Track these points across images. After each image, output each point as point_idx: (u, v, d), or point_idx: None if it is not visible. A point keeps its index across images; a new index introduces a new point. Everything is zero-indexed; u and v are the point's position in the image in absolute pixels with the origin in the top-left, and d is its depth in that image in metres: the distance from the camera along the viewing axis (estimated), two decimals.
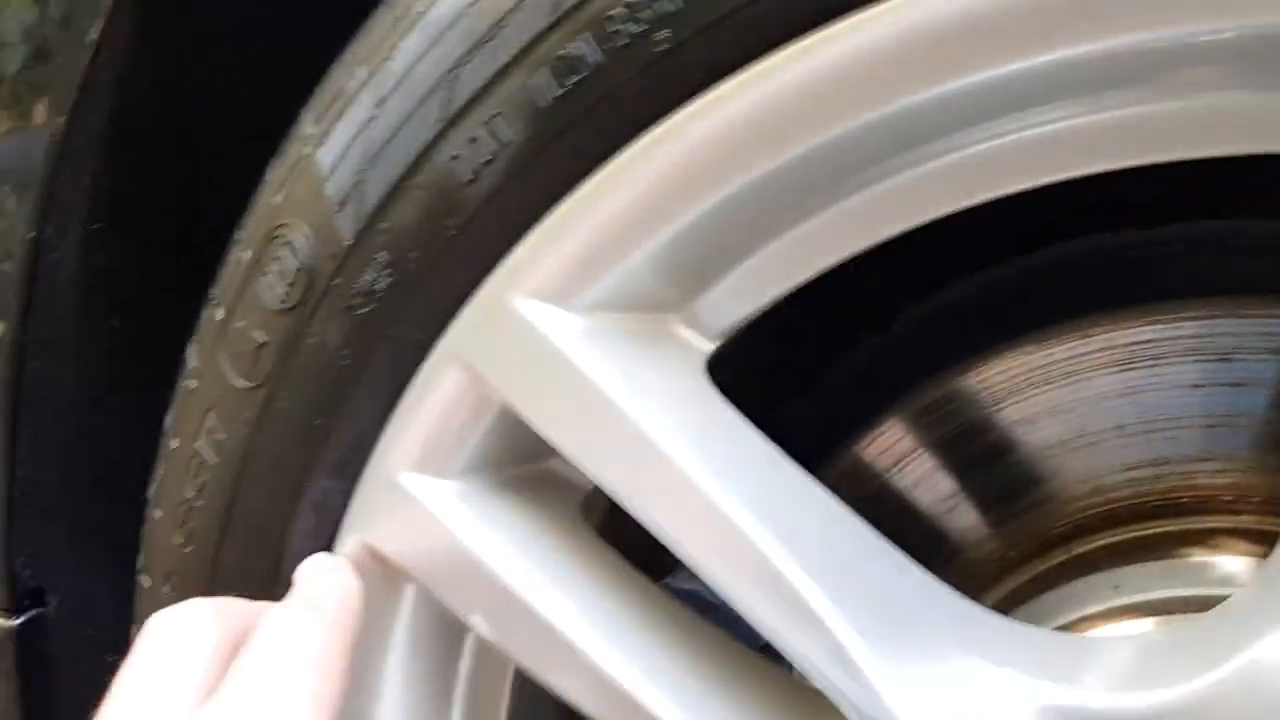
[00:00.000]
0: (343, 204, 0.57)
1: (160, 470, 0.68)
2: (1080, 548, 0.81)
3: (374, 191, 0.56)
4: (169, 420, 0.68)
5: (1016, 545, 0.81)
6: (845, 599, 0.54)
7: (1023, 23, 0.45)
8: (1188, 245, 0.81)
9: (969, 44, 0.46)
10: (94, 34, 0.64)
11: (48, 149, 0.68)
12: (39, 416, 0.76)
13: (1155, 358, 0.78)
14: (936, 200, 0.54)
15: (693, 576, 0.56)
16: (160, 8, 0.66)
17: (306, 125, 0.59)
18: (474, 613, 0.61)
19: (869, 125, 0.50)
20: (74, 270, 0.73)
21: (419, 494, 0.61)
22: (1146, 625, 0.76)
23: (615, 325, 0.57)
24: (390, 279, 0.57)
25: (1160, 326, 0.78)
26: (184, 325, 0.81)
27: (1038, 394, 0.81)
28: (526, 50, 0.51)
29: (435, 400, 0.60)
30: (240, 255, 0.62)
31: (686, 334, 0.60)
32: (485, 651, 0.70)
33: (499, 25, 0.52)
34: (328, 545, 0.64)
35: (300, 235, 0.59)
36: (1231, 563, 0.77)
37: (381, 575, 0.64)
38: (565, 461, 0.64)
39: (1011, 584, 0.82)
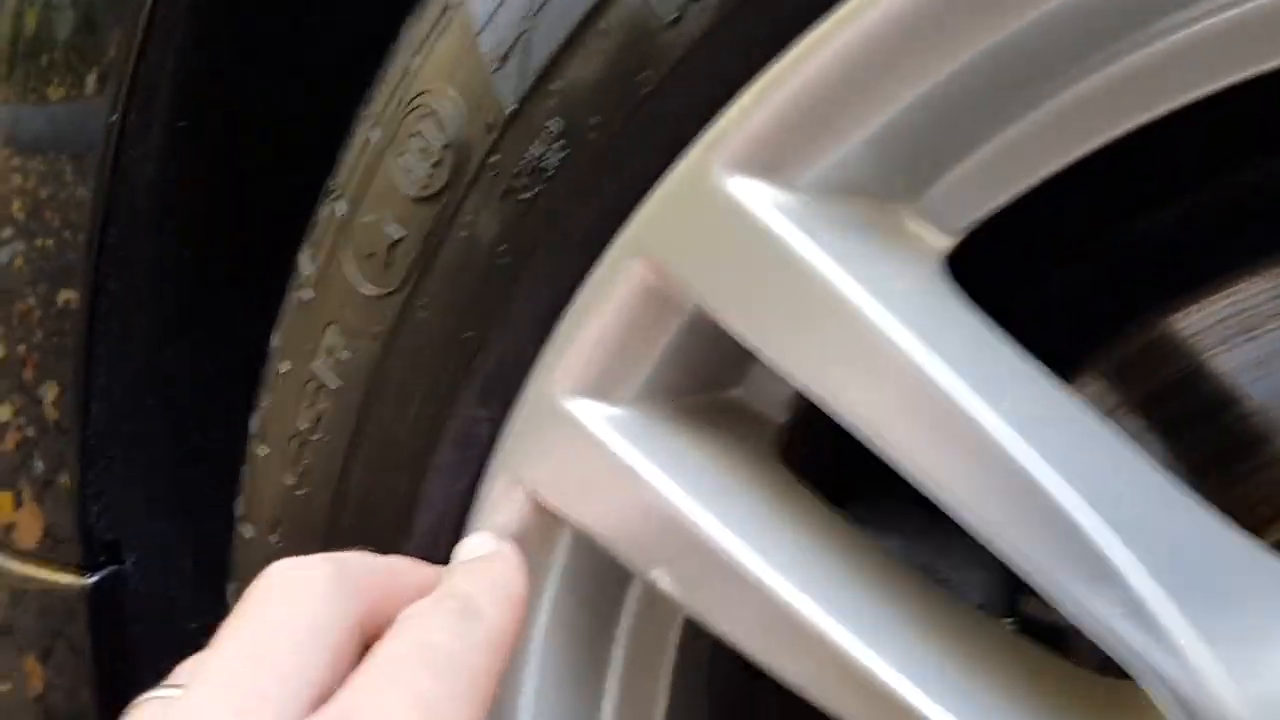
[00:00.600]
0: (503, 61, 0.46)
1: (266, 399, 0.57)
2: None
3: (544, 43, 0.45)
4: (276, 340, 0.57)
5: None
6: (1150, 552, 0.43)
7: None
8: None
9: None
10: None
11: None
12: (112, 351, 0.66)
13: None
14: (1188, 80, 0.43)
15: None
16: None
17: None
18: (656, 565, 0.51)
19: None
20: (148, 193, 0.63)
21: (589, 423, 0.50)
22: None
23: (839, 211, 0.46)
24: (562, 154, 0.46)
25: None
26: (257, 257, 0.73)
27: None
28: None
29: (611, 306, 0.49)
30: (368, 134, 0.51)
31: (919, 228, 0.48)
32: (644, 621, 0.59)
33: None
34: (470, 487, 0.54)
35: (447, 104, 0.48)
36: None
37: (535, 526, 0.54)
38: (754, 391, 0.54)
39: None
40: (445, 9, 0.47)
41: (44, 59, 0.62)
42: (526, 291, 0.49)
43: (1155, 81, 0.44)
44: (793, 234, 0.45)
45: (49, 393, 0.66)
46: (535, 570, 0.56)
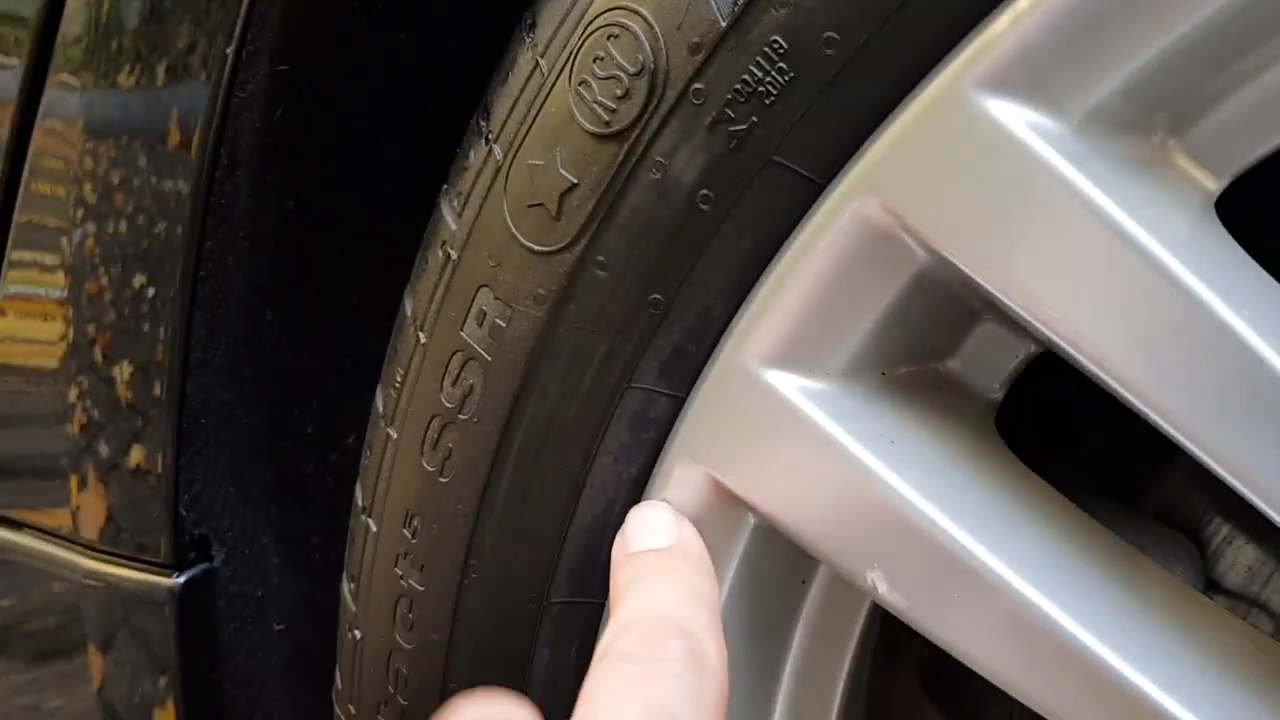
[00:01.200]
0: None
1: (397, 373, 0.50)
2: None
3: None
4: (408, 305, 0.50)
5: None
6: None
7: None
8: None
9: None
10: None
11: None
12: (209, 317, 0.59)
13: None
14: None
15: None
16: None
17: None
18: (870, 567, 0.43)
19: None
20: (254, 131, 0.56)
21: (790, 397, 0.43)
22: None
23: (1110, 144, 0.39)
24: (786, 78, 0.39)
25: None
26: (358, 216, 0.66)
27: None
28: None
29: (829, 259, 0.42)
30: (533, 61, 0.44)
31: (1190, 167, 0.41)
32: (819, 630, 0.52)
33: None
34: (644, 473, 0.47)
35: (640, 22, 0.40)
36: None
37: (715, 514, 0.47)
38: (970, 362, 0.47)
39: None
40: None
41: (114, 44, 0.55)
42: (727, 244, 0.42)
43: None
44: (1063, 166, 0.38)
45: (122, 372, 0.59)
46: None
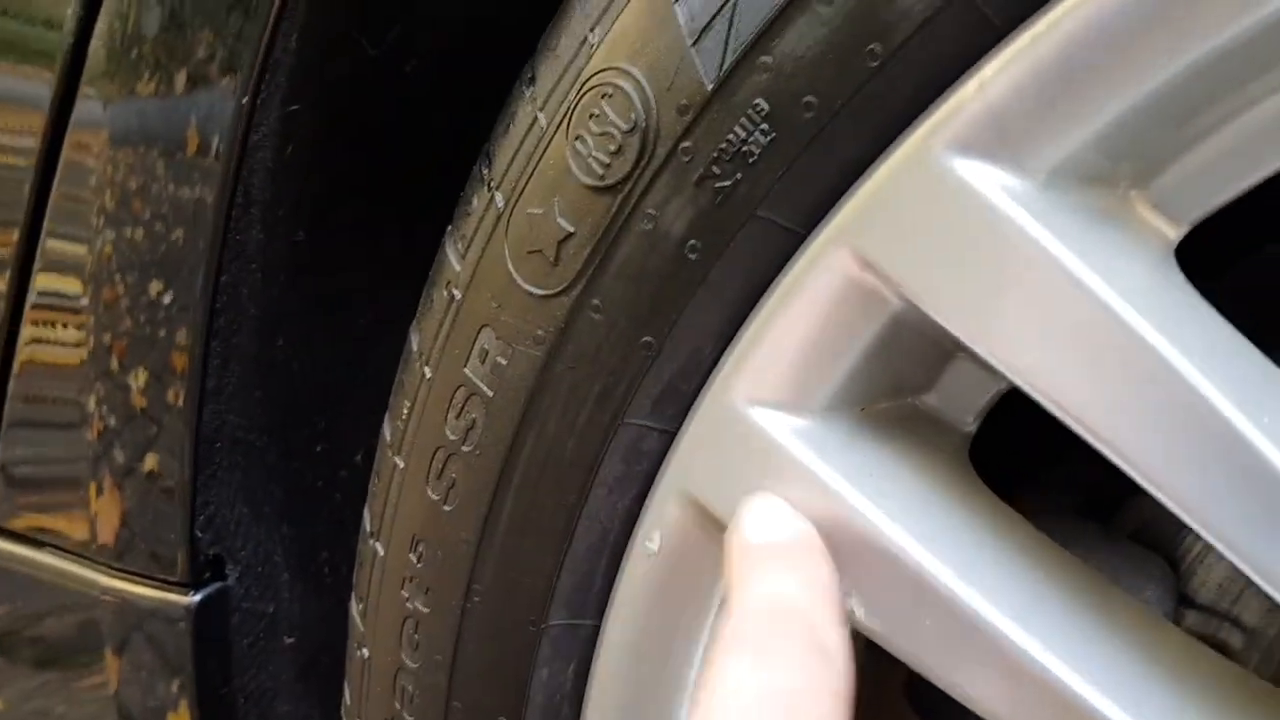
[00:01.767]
0: (703, 33, 0.41)
1: (404, 406, 0.53)
2: None
3: (755, 12, 0.40)
4: (414, 341, 0.53)
5: None
6: None
7: None
8: None
9: None
10: None
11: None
12: (225, 345, 0.61)
13: None
14: None
15: None
16: None
17: None
18: (850, 595, 0.46)
19: None
20: (266, 170, 0.59)
21: (774, 433, 0.46)
22: None
23: (1072, 198, 0.41)
24: (769, 137, 0.42)
25: None
26: (363, 245, 0.69)
27: None
28: None
29: (809, 304, 0.44)
30: (532, 115, 0.46)
31: (1151, 217, 0.44)
32: None
33: None
34: (637, 503, 0.49)
35: (633, 82, 0.43)
36: None
37: (705, 544, 0.49)
38: (945, 397, 0.50)
39: None
40: None
41: (134, 54, 0.57)
42: (714, 290, 0.45)
43: None
44: (1026, 221, 0.40)
45: (154, 385, 0.62)
46: (700, 594, 0.51)
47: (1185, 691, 0.45)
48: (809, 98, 0.41)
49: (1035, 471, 0.66)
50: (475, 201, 0.49)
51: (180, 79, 0.56)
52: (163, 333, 0.59)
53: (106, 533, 0.67)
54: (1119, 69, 0.39)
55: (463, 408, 0.50)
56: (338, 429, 0.73)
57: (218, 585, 0.65)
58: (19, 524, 0.71)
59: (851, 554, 0.46)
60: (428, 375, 0.51)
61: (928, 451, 0.49)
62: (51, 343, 0.64)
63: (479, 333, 0.49)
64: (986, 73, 0.39)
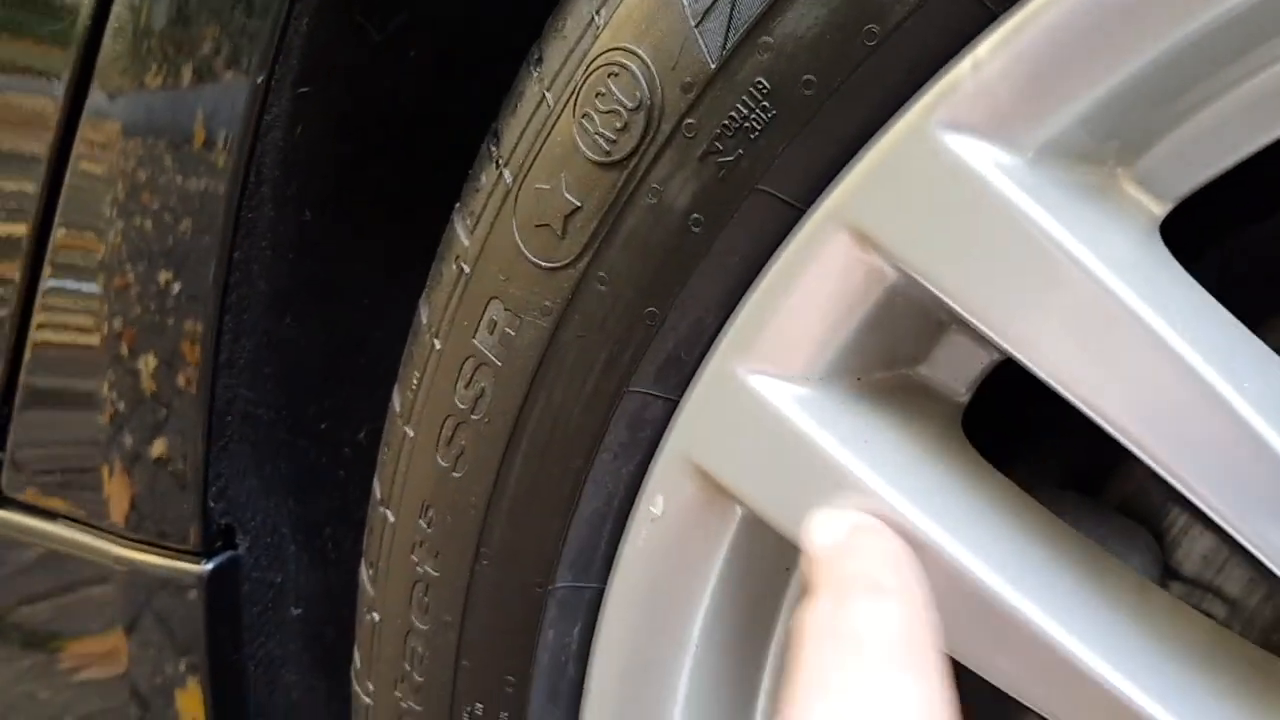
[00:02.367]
0: (706, 14, 0.43)
1: (413, 376, 0.54)
2: None
3: None
4: (424, 314, 0.54)
5: None
6: None
7: None
8: None
9: None
10: None
11: None
12: (236, 321, 0.63)
13: None
14: None
15: None
16: None
17: None
18: None
19: None
20: (277, 150, 0.60)
21: (775, 401, 0.48)
22: None
23: (1061, 174, 0.43)
24: (769, 115, 0.43)
25: None
26: (369, 224, 0.70)
27: None
28: None
29: (809, 276, 0.46)
30: (539, 94, 0.48)
31: (1136, 193, 0.45)
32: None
33: None
34: (641, 469, 0.51)
35: (638, 62, 0.45)
36: None
37: (706, 508, 0.51)
38: (939, 367, 0.52)
39: None
40: None
41: (144, 47, 0.59)
42: (717, 262, 0.46)
43: None
44: (1018, 195, 0.42)
45: (169, 364, 0.63)
46: (702, 556, 0.53)
47: (1169, 648, 0.47)
48: (809, 76, 0.42)
49: (1025, 445, 0.68)
50: (484, 178, 0.51)
51: (198, 60, 0.58)
52: (177, 314, 0.61)
53: (121, 504, 0.69)
54: (1105, 51, 0.41)
55: (471, 377, 0.51)
56: (342, 407, 0.75)
57: (229, 554, 0.67)
58: (33, 497, 0.72)
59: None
60: (437, 346, 0.53)
61: (922, 419, 0.50)
62: (66, 328, 0.66)
63: (488, 304, 0.50)
64: (980, 53, 0.41)
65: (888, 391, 0.51)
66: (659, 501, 0.51)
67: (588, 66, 0.46)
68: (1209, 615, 0.69)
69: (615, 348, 0.48)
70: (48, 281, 0.65)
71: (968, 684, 0.47)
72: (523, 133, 0.49)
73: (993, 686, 0.48)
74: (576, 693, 0.55)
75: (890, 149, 0.43)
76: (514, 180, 0.49)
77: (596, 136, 0.46)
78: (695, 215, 0.45)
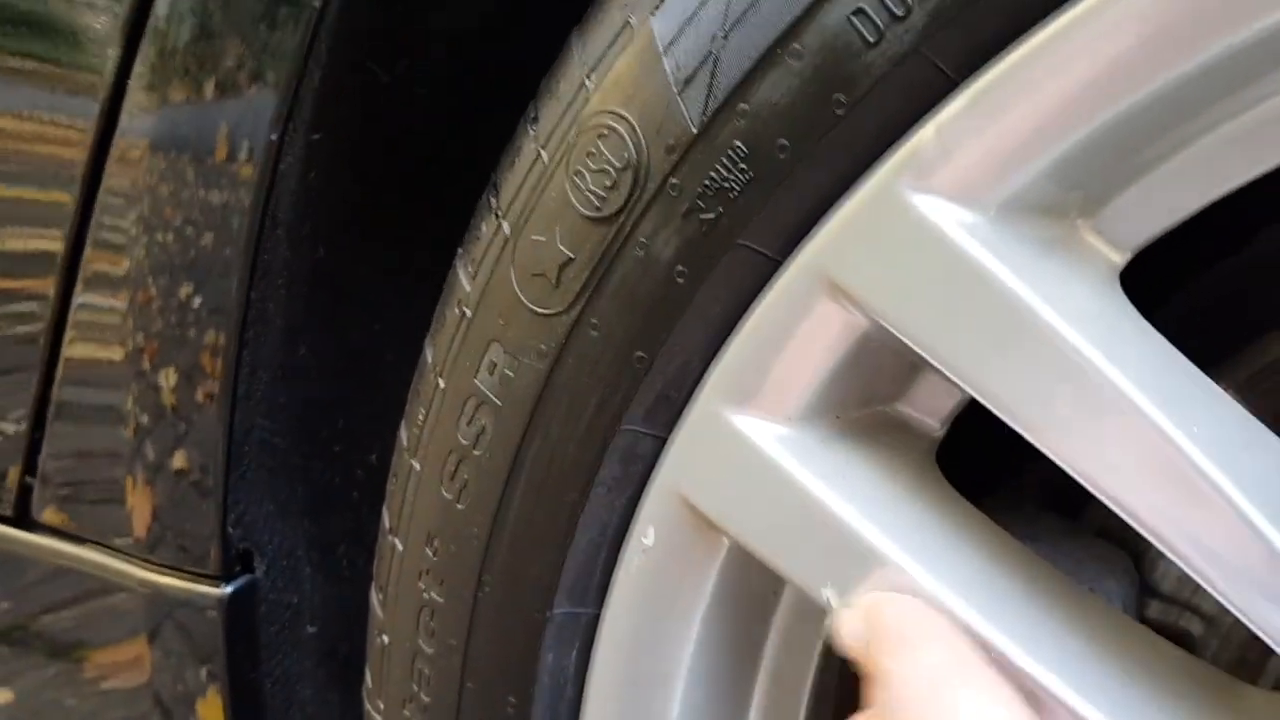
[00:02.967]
0: (688, 82, 0.46)
1: (419, 413, 0.57)
2: None
3: (734, 64, 0.45)
4: (429, 354, 0.58)
5: None
6: None
7: None
8: None
9: None
10: None
11: None
12: (254, 351, 0.66)
13: None
14: None
15: None
16: None
17: None
18: (825, 583, 0.51)
19: None
20: (291, 194, 0.64)
21: (755, 439, 0.51)
22: None
23: (1022, 229, 0.46)
24: (747, 176, 0.46)
25: None
26: (379, 259, 0.73)
27: None
28: None
29: (784, 326, 0.49)
30: (535, 151, 0.51)
31: (1097, 243, 0.48)
32: (789, 640, 0.60)
33: None
34: (633, 502, 0.54)
35: (625, 125, 0.48)
36: None
37: (694, 541, 0.54)
38: (915, 405, 0.54)
39: None
40: (626, 25, 0.47)
41: (173, 62, 0.62)
42: (701, 311, 0.49)
43: None
44: (979, 252, 0.45)
45: (190, 392, 0.67)
46: (691, 584, 0.56)
47: (1137, 678, 0.50)
48: (782, 140, 0.45)
49: (1008, 472, 0.71)
50: (484, 228, 0.54)
51: (214, 96, 0.61)
52: (201, 342, 0.64)
53: (142, 529, 0.72)
54: (1058, 117, 0.44)
55: (473, 415, 0.55)
56: (354, 431, 0.78)
57: (247, 578, 0.70)
58: (59, 520, 0.76)
59: (824, 547, 0.50)
60: (441, 385, 0.56)
61: (897, 455, 0.53)
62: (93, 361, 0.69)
63: (488, 347, 0.54)
64: (942, 118, 0.44)
65: (866, 428, 0.53)
66: (650, 533, 0.54)
67: (579, 127, 0.49)
68: (1187, 632, 0.72)
69: (607, 389, 0.51)
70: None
71: None
72: (520, 187, 0.52)
73: None
74: (575, 713, 0.58)
75: (860, 208, 0.46)
76: (512, 231, 0.52)
77: (588, 193, 0.49)
78: (680, 267, 0.49)
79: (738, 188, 0.46)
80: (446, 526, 0.57)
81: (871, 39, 0.43)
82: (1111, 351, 0.45)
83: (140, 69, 0.59)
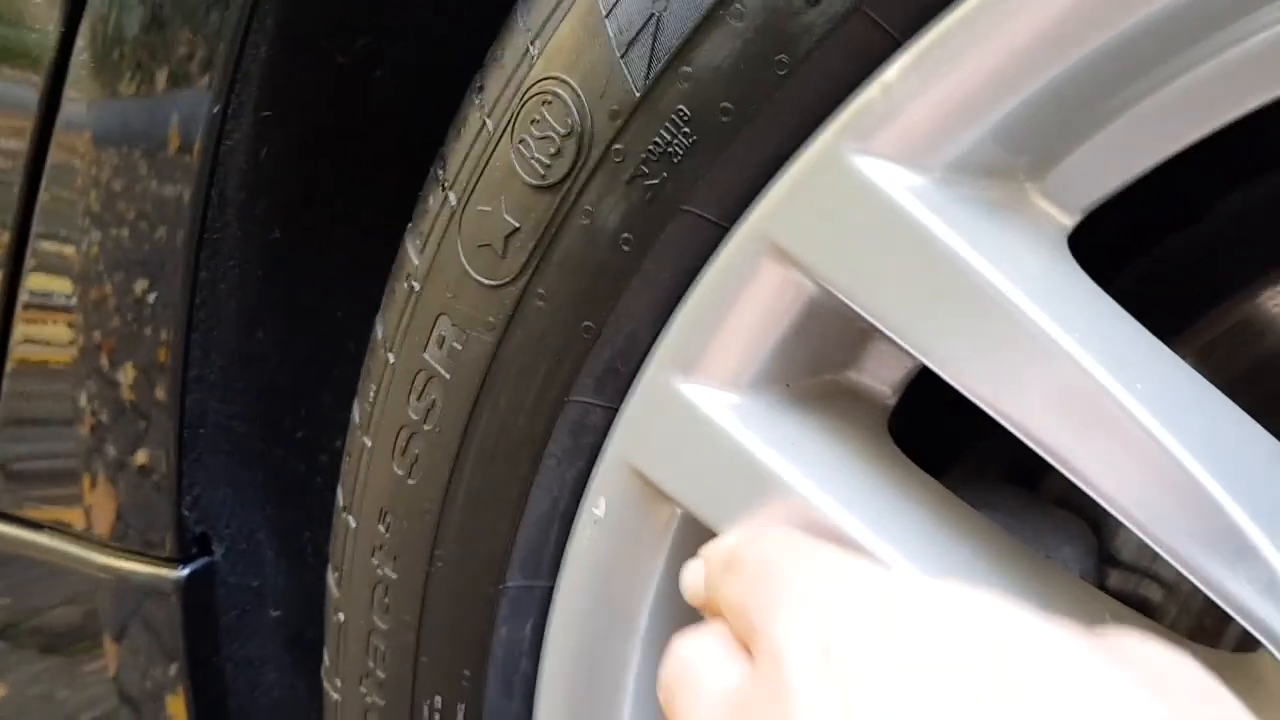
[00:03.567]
0: (630, 45, 0.46)
1: (370, 389, 0.57)
2: None
3: (676, 26, 0.45)
4: (379, 330, 0.57)
5: None
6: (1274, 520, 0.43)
7: None
8: None
9: None
10: None
11: None
12: (205, 337, 0.66)
13: None
14: None
15: None
16: None
17: None
18: None
19: None
20: (240, 172, 0.63)
21: (705, 408, 0.50)
22: None
23: (968, 191, 0.46)
24: (691, 140, 0.46)
25: None
26: (337, 241, 0.73)
27: None
28: None
29: (734, 291, 0.49)
30: (480, 120, 0.51)
31: (1046, 206, 0.48)
32: None
33: None
34: (584, 474, 0.54)
35: (569, 90, 0.47)
36: None
37: (646, 511, 0.54)
38: (865, 372, 0.54)
39: None
40: None
41: (116, 55, 0.61)
42: (647, 279, 0.49)
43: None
44: (925, 215, 0.45)
45: (142, 379, 0.66)
46: (644, 555, 0.56)
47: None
48: (725, 103, 0.45)
49: (968, 442, 0.71)
50: (431, 201, 0.53)
51: (160, 81, 0.60)
52: (148, 329, 0.64)
53: (102, 516, 0.71)
54: (1002, 76, 0.44)
55: (423, 390, 0.54)
56: (317, 416, 0.77)
57: (204, 560, 0.70)
58: (22, 510, 0.75)
59: (776, 515, 0.50)
60: (391, 361, 0.55)
61: (849, 423, 0.53)
62: (42, 342, 0.69)
63: (436, 320, 0.53)
64: (886, 78, 0.44)
65: (817, 397, 0.53)
66: (601, 504, 0.54)
67: (524, 95, 0.49)
68: (1147, 599, 0.72)
69: (555, 360, 0.51)
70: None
71: None
72: (465, 157, 0.51)
73: None
74: (530, 685, 0.58)
75: (805, 171, 0.45)
76: (458, 202, 0.52)
77: (532, 161, 0.49)
78: (626, 235, 0.48)
79: (681, 152, 0.46)
80: (398, 502, 0.56)
81: None
82: (1056, 311, 0.44)
83: (80, 43, 0.58)
